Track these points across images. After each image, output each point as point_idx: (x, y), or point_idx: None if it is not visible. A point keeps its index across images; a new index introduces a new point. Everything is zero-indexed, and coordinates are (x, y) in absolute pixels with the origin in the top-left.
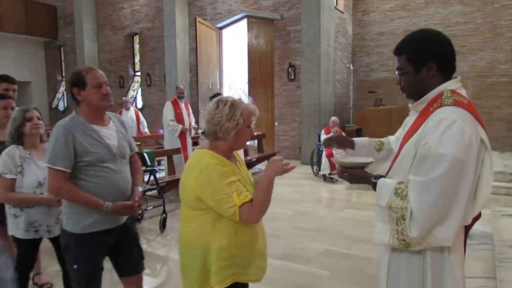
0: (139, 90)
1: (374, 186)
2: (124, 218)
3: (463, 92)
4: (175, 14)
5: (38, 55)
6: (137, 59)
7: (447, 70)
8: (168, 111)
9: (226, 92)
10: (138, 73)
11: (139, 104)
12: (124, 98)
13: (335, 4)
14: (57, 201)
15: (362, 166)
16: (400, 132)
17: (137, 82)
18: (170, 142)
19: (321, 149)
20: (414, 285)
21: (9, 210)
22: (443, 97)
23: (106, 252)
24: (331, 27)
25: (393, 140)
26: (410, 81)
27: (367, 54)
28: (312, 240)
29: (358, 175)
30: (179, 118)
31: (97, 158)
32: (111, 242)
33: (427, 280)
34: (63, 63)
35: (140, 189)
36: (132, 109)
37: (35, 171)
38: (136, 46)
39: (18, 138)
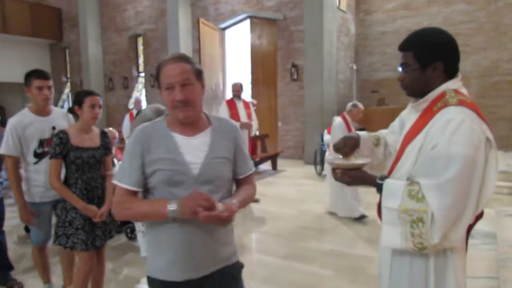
0: (143, 91)
1: (379, 187)
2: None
3: (464, 91)
4: (178, 15)
5: (43, 57)
6: (140, 60)
7: (452, 71)
8: (222, 111)
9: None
10: (142, 74)
11: (143, 105)
12: (135, 97)
13: (337, 4)
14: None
15: (359, 167)
16: (396, 127)
17: (141, 83)
18: None
19: (324, 149)
20: (417, 286)
21: (139, 228)
22: (447, 96)
23: None
24: (334, 27)
25: (386, 133)
26: (414, 78)
27: (370, 54)
28: (316, 240)
29: (360, 177)
30: (234, 119)
31: None
32: None
33: (430, 281)
34: (68, 64)
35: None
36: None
37: None
38: (140, 47)
39: None
